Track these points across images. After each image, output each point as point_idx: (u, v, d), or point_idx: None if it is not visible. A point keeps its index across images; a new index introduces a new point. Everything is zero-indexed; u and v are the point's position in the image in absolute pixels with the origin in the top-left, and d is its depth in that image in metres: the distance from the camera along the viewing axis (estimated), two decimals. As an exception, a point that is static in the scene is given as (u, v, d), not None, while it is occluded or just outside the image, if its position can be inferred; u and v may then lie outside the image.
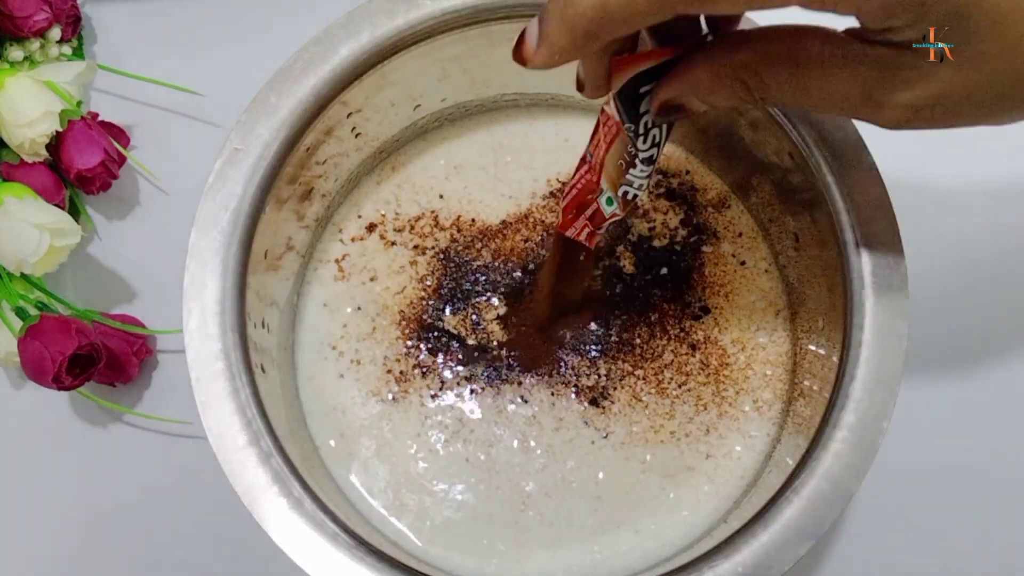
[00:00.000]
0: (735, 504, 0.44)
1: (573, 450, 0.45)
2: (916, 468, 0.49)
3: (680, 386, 0.46)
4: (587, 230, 0.40)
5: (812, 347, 0.44)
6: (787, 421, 0.45)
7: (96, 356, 0.47)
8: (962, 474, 0.50)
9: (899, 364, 0.38)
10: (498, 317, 0.47)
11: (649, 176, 0.37)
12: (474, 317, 0.47)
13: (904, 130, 0.32)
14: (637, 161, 0.36)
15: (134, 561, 0.49)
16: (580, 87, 0.35)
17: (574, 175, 0.39)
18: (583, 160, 0.38)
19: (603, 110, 0.36)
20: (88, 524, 0.50)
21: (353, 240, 0.49)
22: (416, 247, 0.49)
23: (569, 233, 0.40)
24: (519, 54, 0.32)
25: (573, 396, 0.46)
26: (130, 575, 0.50)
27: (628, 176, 0.36)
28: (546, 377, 0.46)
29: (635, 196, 0.37)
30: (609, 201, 0.37)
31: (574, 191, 0.39)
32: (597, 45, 0.30)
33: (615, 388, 0.46)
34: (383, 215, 0.49)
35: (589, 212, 0.39)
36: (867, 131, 0.41)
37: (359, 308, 0.48)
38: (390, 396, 0.46)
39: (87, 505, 0.50)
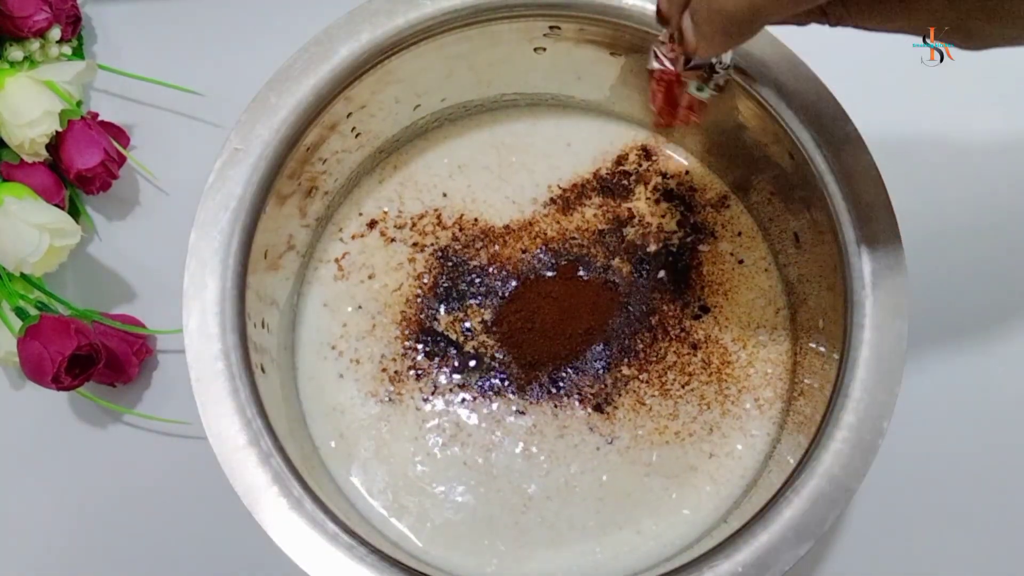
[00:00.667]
0: (735, 504, 0.44)
1: (577, 455, 0.45)
2: (916, 468, 0.49)
3: (683, 386, 0.46)
4: (692, 117, 0.42)
5: (812, 345, 0.44)
6: (788, 420, 0.45)
7: (96, 356, 0.47)
8: (963, 473, 0.50)
9: (899, 364, 0.38)
10: (490, 324, 0.47)
11: (729, 66, 0.40)
12: (467, 323, 0.47)
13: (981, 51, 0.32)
14: (718, 68, 0.39)
15: (134, 561, 0.49)
16: (663, 19, 0.35)
17: (652, 85, 0.41)
18: (651, 74, 0.40)
19: (652, 73, 0.40)
20: (88, 524, 0.50)
21: (354, 237, 0.49)
22: (415, 244, 0.49)
23: (676, 125, 0.43)
24: (684, 48, 0.33)
25: (577, 403, 0.46)
26: (130, 575, 0.50)
27: (713, 77, 0.40)
28: (546, 390, 0.46)
29: (724, 80, 0.40)
30: (700, 88, 0.40)
31: (659, 95, 0.41)
32: (750, 36, 0.31)
33: (619, 394, 0.46)
34: (385, 212, 0.49)
35: (684, 103, 0.41)
36: (866, 130, 0.41)
37: (359, 307, 0.48)
38: (387, 397, 0.46)
39: (87, 505, 0.50)
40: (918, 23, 0.32)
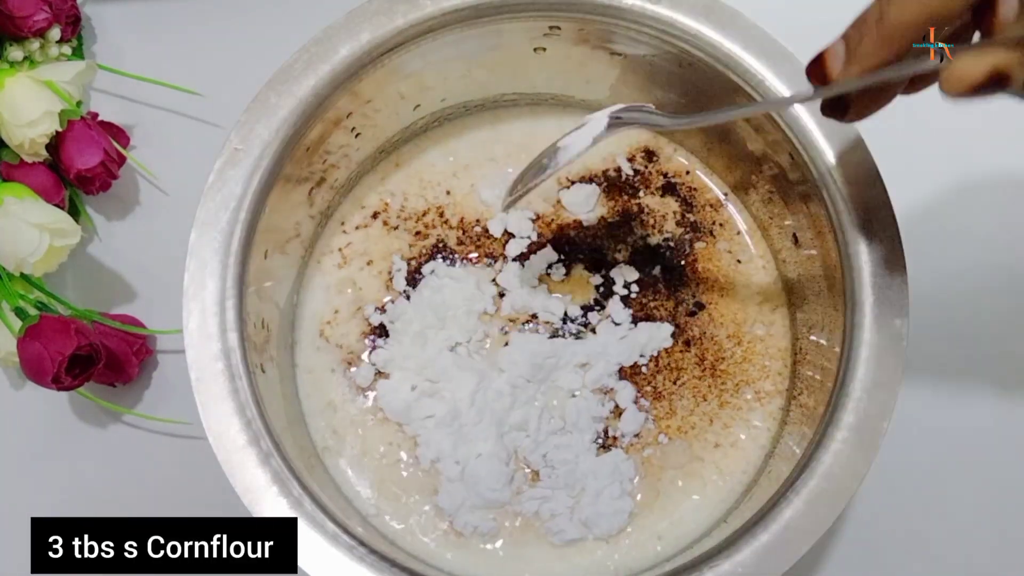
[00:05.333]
0: (736, 503, 0.44)
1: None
2: (916, 467, 0.49)
3: (674, 382, 0.46)
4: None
5: (813, 339, 0.44)
6: (790, 413, 0.45)
7: (96, 356, 0.47)
8: (963, 473, 0.50)
9: (899, 364, 0.38)
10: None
11: None
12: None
13: None
14: None
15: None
16: (838, 111, 0.32)
17: None
18: None
19: None
20: (88, 524, 0.50)
21: (358, 228, 0.49)
22: (418, 234, 0.49)
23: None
24: (820, 73, 0.31)
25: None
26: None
27: None
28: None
29: None
30: None
31: None
32: (909, 48, 0.29)
33: (615, 388, 0.46)
34: (387, 203, 0.49)
35: None
36: (866, 130, 0.41)
37: (359, 308, 0.48)
38: (376, 389, 0.46)
39: (87, 505, 0.50)
40: None
